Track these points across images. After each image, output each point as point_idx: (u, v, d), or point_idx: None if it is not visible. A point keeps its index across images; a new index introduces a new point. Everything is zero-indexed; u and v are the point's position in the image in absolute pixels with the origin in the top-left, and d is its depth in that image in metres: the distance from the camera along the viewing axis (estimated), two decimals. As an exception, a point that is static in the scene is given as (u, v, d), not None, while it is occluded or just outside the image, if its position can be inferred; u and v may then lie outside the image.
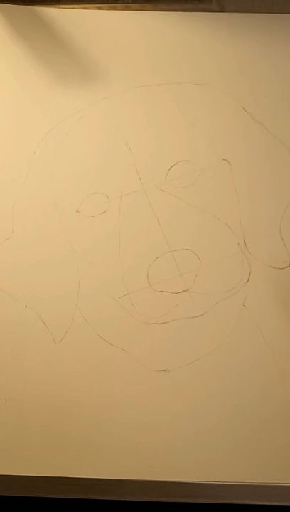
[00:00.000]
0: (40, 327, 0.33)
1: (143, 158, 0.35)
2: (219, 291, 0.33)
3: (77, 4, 0.39)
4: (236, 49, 0.37)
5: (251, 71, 0.36)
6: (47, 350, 0.33)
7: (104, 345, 0.33)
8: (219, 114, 0.36)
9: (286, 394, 0.32)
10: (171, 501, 0.33)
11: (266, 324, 0.32)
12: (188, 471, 0.32)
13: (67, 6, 0.39)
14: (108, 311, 0.33)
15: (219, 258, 0.34)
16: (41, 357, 0.33)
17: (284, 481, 0.32)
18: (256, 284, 0.33)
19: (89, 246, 0.34)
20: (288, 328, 0.33)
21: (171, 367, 0.33)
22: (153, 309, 0.33)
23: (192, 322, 0.33)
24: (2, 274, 0.34)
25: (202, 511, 0.33)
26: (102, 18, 0.39)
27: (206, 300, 0.33)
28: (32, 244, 0.34)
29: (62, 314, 0.33)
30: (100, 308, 0.33)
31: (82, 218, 0.34)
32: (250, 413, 0.32)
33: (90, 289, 0.34)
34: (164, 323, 0.33)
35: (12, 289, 0.34)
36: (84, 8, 0.39)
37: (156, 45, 0.38)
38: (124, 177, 0.35)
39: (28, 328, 0.33)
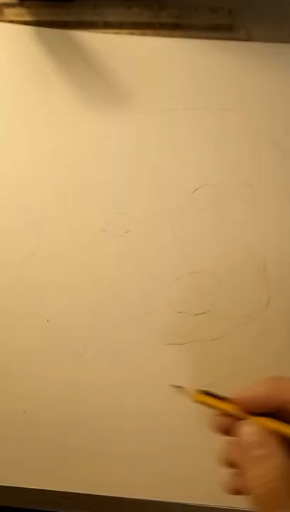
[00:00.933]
0: (61, 342, 0.34)
1: (167, 181, 0.36)
2: (237, 315, 0.33)
3: (110, 29, 0.41)
4: (262, 77, 0.38)
5: (277, 100, 0.37)
6: (66, 365, 0.33)
7: (122, 363, 0.33)
8: (244, 140, 0.37)
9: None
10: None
11: (284, 351, 0.33)
12: (211, 494, 0.32)
13: (100, 30, 0.41)
14: (127, 329, 0.34)
15: (238, 282, 0.34)
16: (61, 371, 0.33)
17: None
18: (275, 309, 0.33)
19: (111, 264, 0.35)
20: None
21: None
22: (172, 329, 0.34)
23: (210, 345, 0.33)
24: (26, 288, 0.35)
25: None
26: (133, 44, 0.40)
27: (224, 323, 0.33)
28: (57, 259, 0.35)
29: (82, 330, 0.34)
30: (119, 326, 0.34)
31: (107, 237, 0.35)
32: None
33: (110, 307, 0.34)
34: (182, 344, 0.33)
35: (35, 303, 0.34)
36: (116, 34, 0.40)
37: (184, 71, 0.39)
38: (149, 198, 0.36)
39: (48, 343, 0.34)
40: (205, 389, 0.26)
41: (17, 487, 0.33)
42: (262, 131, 0.37)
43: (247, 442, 0.23)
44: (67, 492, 0.33)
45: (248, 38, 0.40)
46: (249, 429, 0.23)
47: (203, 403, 0.26)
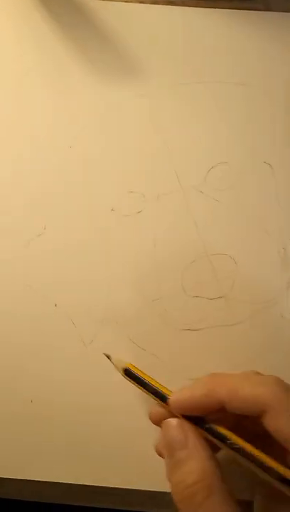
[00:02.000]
0: (70, 328, 0.32)
1: (182, 158, 0.34)
2: (256, 300, 0.32)
3: (119, -3, 0.38)
4: (281, 50, 0.36)
5: (299, 73, 0.35)
6: (76, 352, 0.31)
7: (134, 350, 0.32)
8: (261, 116, 0.35)
9: None
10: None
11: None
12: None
13: (109, -2, 0.38)
14: (140, 314, 0.32)
15: (257, 265, 0.32)
16: (69, 359, 0.31)
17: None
18: (296, 293, 0.32)
19: (122, 246, 0.33)
20: None
21: (202, 375, 0.31)
22: (187, 315, 0.32)
23: (228, 330, 0.32)
24: (32, 271, 0.33)
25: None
26: (144, 13, 0.38)
27: (243, 308, 0.32)
28: (64, 241, 0.33)
29: (92, 316, 0.32)
30: (132, 311, 0.32)
31: (117, 217, 0.33)
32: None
33: (122, 292, 0.32)
34: (198, 329, 0.32)
35: (42, 287, 0.32)
36: (126, 2, 0.38)
37: (197, 43, 0.37)
38: (162, 176, 0.34)
39: (56, 329, 0.32)
40: (129, 366, 0.26)
41: (22, 479, 0.32)
42: (283, 106, 0.35)
43: (168, 442, 0.23)
44: (76, 485, 0.31)
45: (266, 8, 0.38)
46: (170, 429, 0.23)
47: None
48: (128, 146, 0.34)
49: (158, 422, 0.25)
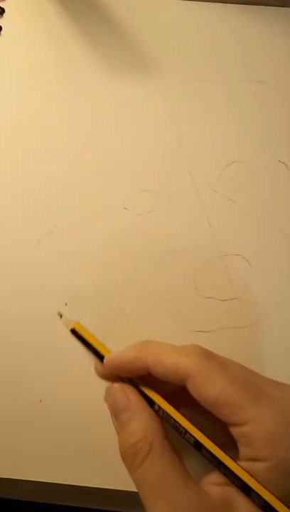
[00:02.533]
0: (80, 328, 0.31)
1: (196, 157, 0.34)
2: (271, 301, 0.31)
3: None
4: (297, 47, 0.35)
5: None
6: (86, 352, 0.31)
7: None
8: (277, 114, 0.34)
9: None
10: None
11: None
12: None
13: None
14: (151, 315, 0.31)
15: (271, 266, 0.32)
16: (80, 359, 0.31)
17: None
18: (311, 296, 0.31)
19: (134, 245, 0.32)
20: None
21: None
22: (200, 316, 0.31)
23: (240, 332, 0.31)
24: (43, 269, 0.32)
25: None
26: (158, 8, 0.37)
27: (256, 310, 0.31)
28: (75, 239, 0.33)
29: (103, 315, 0.31)
30: (144, 311, 0.31)
31: (129, 216, 0.33)
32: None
33: (134, 292, 0.32)
34: (210, 331, 0.31)
35: (52, 285, 0.32)
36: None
37: (212, 38, 0.36)
38: (175, 175, 0.33)
39: (67, 330, 0.31)
40: (76, 326, 0.27)
41: (30, 480, 0.31)
42: (298, 104, 0.34)
43: (112, 406, 0.24)
44: (85, 487, 0.31)
45: (282, 4, 0.37)
46: (113, 393, 0.24)
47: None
48: (141, 143, 0.34)
49: (102, 376, 0.27)
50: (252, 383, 0.22)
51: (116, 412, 0.24)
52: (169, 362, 0.23)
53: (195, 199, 0.33)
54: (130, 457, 0.22)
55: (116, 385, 0.25)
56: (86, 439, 0.31)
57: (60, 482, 0.31)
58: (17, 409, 0.31)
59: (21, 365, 0.31)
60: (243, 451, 0.21)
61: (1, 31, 0.37)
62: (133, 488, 0.31)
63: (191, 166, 0.33)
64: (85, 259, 0.32)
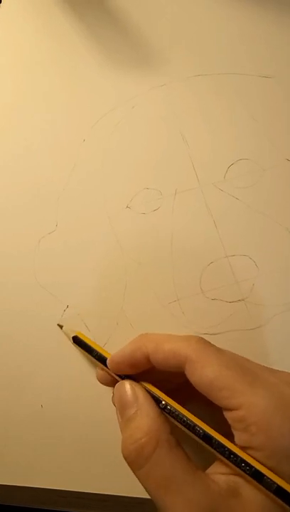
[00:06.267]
0: (83, 330, 0.30)
1: (200, 154, 0.33)
2: (278, 303, 0.30)
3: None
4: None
5: None
6: (88, 355, 0.30)
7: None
8: (285, 111, 0.33)
9: None
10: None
11: None
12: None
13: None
14: (156, 317, 0.31)
15: (278, 267, 0.31)
16: (81, 365, 0.30)
17: None
18: None
19: (138, 245, 0.31)
20: None
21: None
22: (205, 318, 0.31)
23: (247, 335, 0.30)
24: (44, 270, 0.31)
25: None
26: (162, 1, 0.36)
27: (263, 312, 0.30)
28: (76, 239, 0.32)
29: (106, 318, 0.31)
30: (147, 313, 0.31)
31: (132, 215, 0.32)
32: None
33: (137, 293, 0.31)
34: (216, 334, 0.30)
35: (54, 287, 0.31)
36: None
37: (220, 32, 0.35)
38: (180, 173, 0.32)
39: (68, 338, 0.30)
40: (78, 334, 0.28)
41: (32, 487, 0.30)
42: (307, 100, 0.33)
43: (119, 403, 0.24)
44: (88, 493, 0.30)
45: (290, -3, 0.36)
46: (121, 389, 0.25)
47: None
48: (144, 140, 0.33)
49: (105, 382, 0.27)
50: (248, 369, 0.23)
51: (122, 407, 0.24)
52: (168, 347, 0.24)
53: (200, 198, 0.32)
54: (134, 454, 0.22)
55: (125, 381, 0.25)
56: (87, 444, 0.30)
57: (61, 488, 0.30)
58: (18, 414, 0.30)
59: (22, 369, 0.30)
60: (238, 436, 0.21)
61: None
62: (133, 494, 0.30)
63: (196, 163, 0.32)
64: (87, 259, 0.31)
